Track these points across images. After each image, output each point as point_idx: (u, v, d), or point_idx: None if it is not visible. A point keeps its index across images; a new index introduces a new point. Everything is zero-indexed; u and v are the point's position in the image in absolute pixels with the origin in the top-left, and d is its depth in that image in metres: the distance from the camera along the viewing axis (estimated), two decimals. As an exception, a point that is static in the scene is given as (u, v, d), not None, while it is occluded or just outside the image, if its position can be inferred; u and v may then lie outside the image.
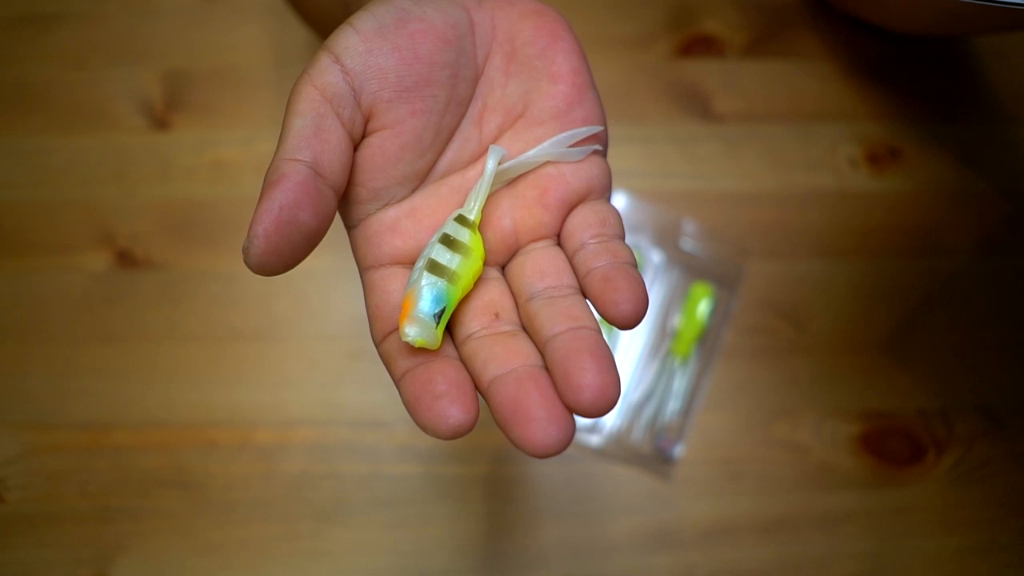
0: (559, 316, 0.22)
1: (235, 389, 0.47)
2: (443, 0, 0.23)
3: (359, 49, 0.22)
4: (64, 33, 0.53)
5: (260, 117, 0.52)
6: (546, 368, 0.21)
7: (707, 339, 0.47)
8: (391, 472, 0.46)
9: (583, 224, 0.24)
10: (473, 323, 0.23)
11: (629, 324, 0.21)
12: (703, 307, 0.47)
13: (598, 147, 0.25)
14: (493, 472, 0.46)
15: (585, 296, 0.23)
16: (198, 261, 0.49)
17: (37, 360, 0.47)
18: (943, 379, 0.47)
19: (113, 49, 0.53)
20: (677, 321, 0.48)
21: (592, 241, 0.23)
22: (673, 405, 0.46)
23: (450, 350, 0.22)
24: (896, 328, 0.49)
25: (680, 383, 0.47)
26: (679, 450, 0.46)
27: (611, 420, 0.46)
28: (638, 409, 0.47)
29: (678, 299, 0.48)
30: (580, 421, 0.46)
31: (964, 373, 0.47)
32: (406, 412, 0.48)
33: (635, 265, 0.22)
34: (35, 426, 0.46)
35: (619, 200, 0.49)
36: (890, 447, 0.46)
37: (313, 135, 0.21)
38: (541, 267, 0.23)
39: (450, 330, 0.23)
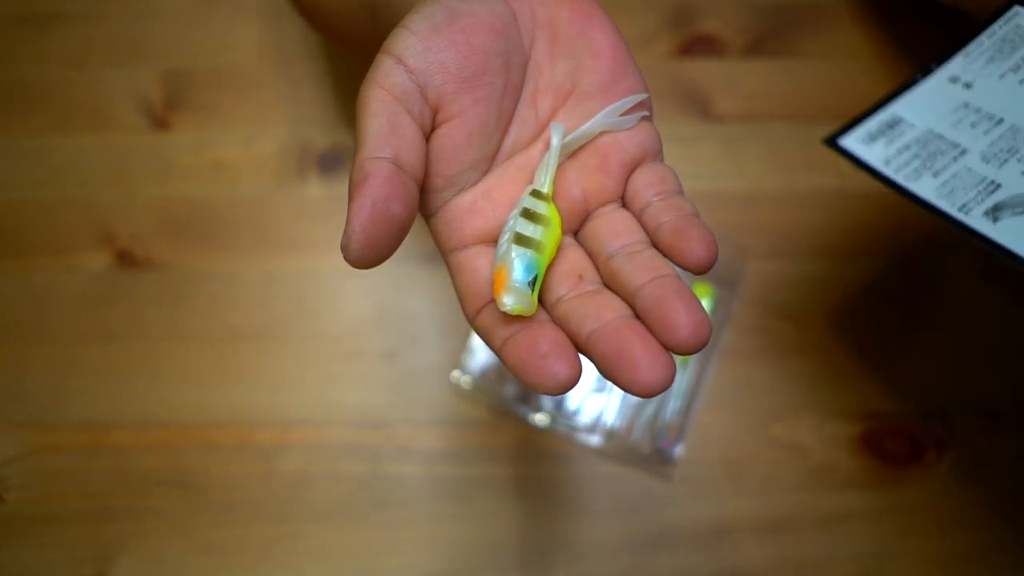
0: (641, 269, 0.23)
1: (235, 389, 0.47)
2: None
3: (418, 48, 0.23)
4: (64, 33, 0.53)
5: (260, 117, 0.52)
6: (637, 317, 0.22)
7: (707, 339, 0.47)
8: (391, 472, 0.46)
9: (645, 184, 0.26)
10: (561, 287, 0.24)
11: (704, 268, 0.23)
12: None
13: (646, 113, 0.27)
14: (493, 473, 0.46)
15: (657, 249, 0.24)
16: (198, 261, 0.49)
17: (37, 360, 0.47)
18: (943, 379, 0.47)
19: (113, 49, 0.53)
20: (677, 321, 0.48)
21: (656, 199, 0.25)
22: (673, 405, 0.46)
23: (544, 315, 0.24)
24: (896, 328, 0.49)
25: (680, 383, 0.47)
26: (679, 450, 0.46)
27: (611, 420, 0.46)
28: (638, 409, 0.47)
29: (678, 299, 0.48)
30: (580, 420, 0.46)
31: (964, 373, 0.47)
32: (406, 412, 0.48)
33: (699, 215, 0.24)
34: (35, 426, 0.46)
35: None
36: (890, 447, 0.46)
37: (390, 133, 0.22)
38: (614, 228, 0.25)
39: (540, 297, 0.24)
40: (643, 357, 0.21)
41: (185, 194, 0.50)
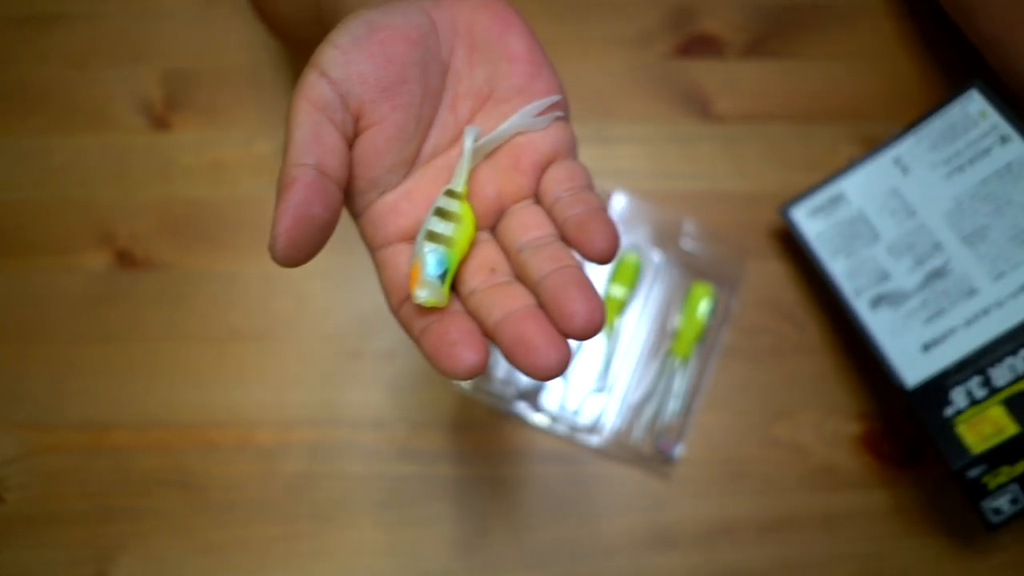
0: (545, 260, 0.25)
1: (235, 389, 0.47)
2: (405, 7, 0.26)
3: (340, 61, 0.25)
4: (64, 33, 0.53)
5: (260, 117, 0.52)
6: (540, 306, 0.24)
7: (707, 339, 0.47)
8: (391, 472, 0.46)
9: (555, 180, 0.27)
10: (474, 280, 0.26)
11: (605, 258, 0.24)
12: (703, 307, 0.47)
13: (560, 114, 0.28)
14: (493, 473, 0.46)
15: (565, 241, 0.26)
16: (198, 261, 0.49)
17: (37, 360, 0.47)
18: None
19: (113, 49, 0.53)
20: (677, 321, 0.48)
21: (565, 194, 0.27)
22: (673, 405, 0.46)
23: (457, 306, 0.25)
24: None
25: (680, 383, 0.47)
26: (679, 450, 0.46)
27: (611, 420, 0.46)
28: (638, 409, 0.47)
29: (678, 299, 0.48)
30: (580, 420, 0.46)
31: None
32: (406, 412, 0.48)
33: (605, 209, 0.26)
34: (35, 426, 0.46)
35: (619, 200, 0.49)
36: (890, 447, 0.46)
37: (313, 141, 0.24)
38: (525, 223, 0.27)
39: (455, 289, 0.26)
40: (540, 343, 0.22)
41: (185, 194, 0.50)
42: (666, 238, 0.49)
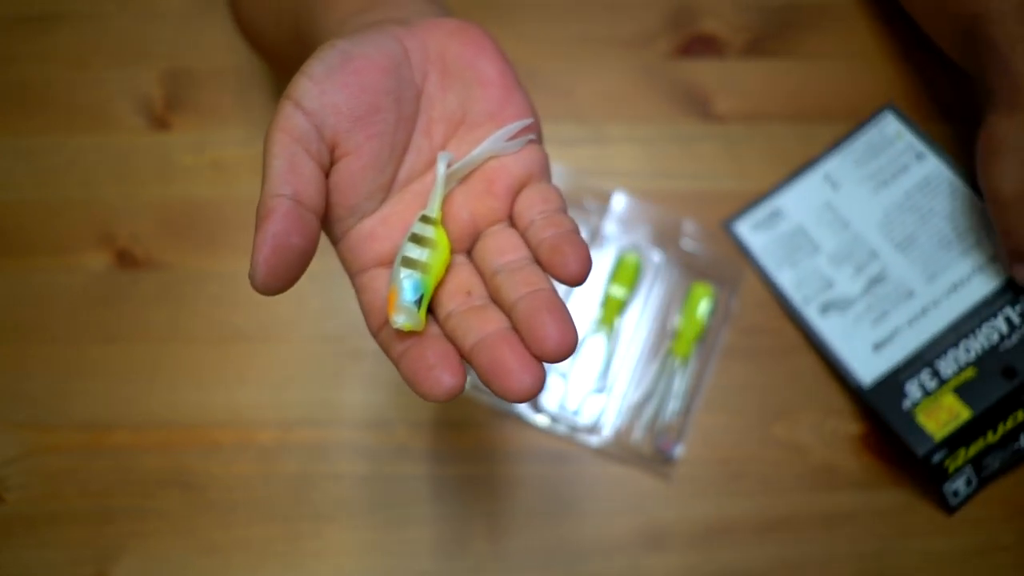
0: (519, 283, 0.25)
1: (236, 389, 0.47)
2: (378, 35, 0.27)
3: (314, 92, 0.25)
4: (64, 33, 0.53)
5: (260, 117, 0.52)
6: (514, 329, 0.24)
7: (707, 339, 0.47)
8: (391, 472, 0.46)
9: (529, 204, 0.28)
10: (451, 303, 0.26)
11: (577, 281, 0.25)
12: (703, 307, 0.47)
13: (532, 137, 0.29)
14: (493, 472, 0.46)
15: (539, 264, 0.26)
16: (199, 261, 0.49)
17: (37, 360, 0.47)
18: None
19: (113, 49, 0.53)
20: (677, 321, 0.48)
21: (539, 217, 0.27)
22: (673, 405, 0.46)
23: (435, 329, 0.26)
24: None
25: (680, 383, 0.47)
26: (679, 450, 0.46)
27: (611, 420, 0.46)
28: (638, 409, 0.47)
29: (678, 299, 0.48)
30: (580, 420, 0.46)
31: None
32: (406, 412, 0.48)
33: (578, 232, 0.26)
34: (35, 426, 0.46)
35: (619, 200, 0.49)
36: (890, 447, 0.46)
37: (289, 172, 0.24)
38: (499, 246, 0.27)
39: (433, 312, 0.26)
40: (514, 366, 0.23)
41: (185, 194, 0.50)
42: (666, 238, 0.49)
